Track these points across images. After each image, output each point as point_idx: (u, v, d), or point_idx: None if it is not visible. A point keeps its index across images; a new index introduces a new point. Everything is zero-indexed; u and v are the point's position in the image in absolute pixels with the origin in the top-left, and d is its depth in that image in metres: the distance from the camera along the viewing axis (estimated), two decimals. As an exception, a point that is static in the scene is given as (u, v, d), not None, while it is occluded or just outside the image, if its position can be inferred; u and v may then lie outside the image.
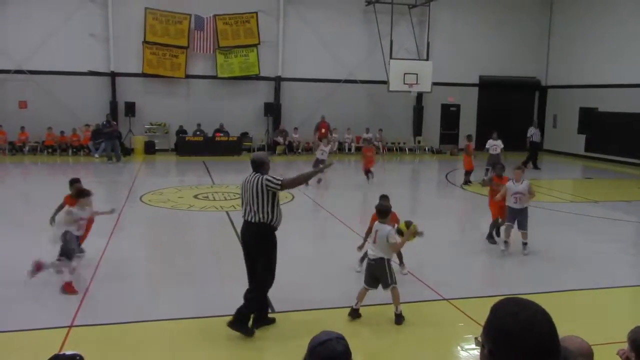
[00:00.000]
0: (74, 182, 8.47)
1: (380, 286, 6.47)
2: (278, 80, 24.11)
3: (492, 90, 26.53)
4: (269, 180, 5.92)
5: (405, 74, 22.19)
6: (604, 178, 19.41)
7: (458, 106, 26.72)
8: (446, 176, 19.34)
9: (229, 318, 5.92)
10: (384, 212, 6.51)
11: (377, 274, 6.36)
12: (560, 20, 26.35)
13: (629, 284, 8.22)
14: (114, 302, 6.93)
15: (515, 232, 9.32)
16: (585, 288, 7.93)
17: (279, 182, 5.91)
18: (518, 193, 9.10)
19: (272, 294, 7.11)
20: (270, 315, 6.40)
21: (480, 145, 18.72)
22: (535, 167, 20.76)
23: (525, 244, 9.23)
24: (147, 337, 6.05)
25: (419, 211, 13.11)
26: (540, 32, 26.99)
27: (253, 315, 6.06)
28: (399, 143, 25.74)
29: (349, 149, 24.72)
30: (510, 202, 9.15)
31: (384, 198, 7.69)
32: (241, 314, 5.90)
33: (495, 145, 16.56)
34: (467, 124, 26.74)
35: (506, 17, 26.18)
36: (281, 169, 20.62)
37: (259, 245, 5.99)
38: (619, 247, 10.11)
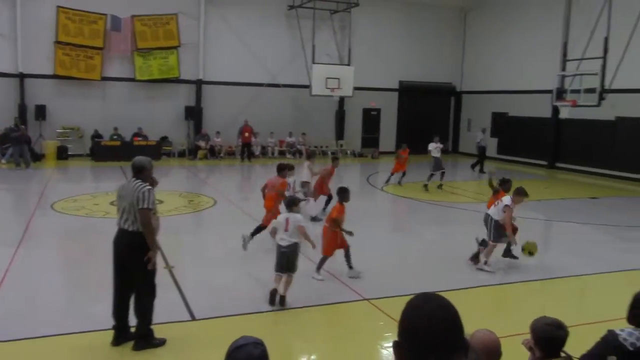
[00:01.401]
0: None
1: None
2: (199, 83, 23.71)
3: (412, 95, 27.38)
4: (143, 196, 5.48)
5: (327, 78, 22.46)
6: (514, 179, 20.44)
7: (379, 110, 27.35)
8: (367, 179, 19.72)
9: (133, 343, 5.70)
10: (291, 203, 7.26)
11: (292, 258, 6.97)
12: (474, 30, 27.62)
13: (537, 278, 8.70)
14: (18, 317, 6.53)
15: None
16: (501, 283, 8.32)
17: (147, 208, 5.48)
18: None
19: (194, 301, 6.99)
20: (187, 323, 6.25)
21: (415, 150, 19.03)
22: (482, 171, 21.47)
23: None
24: (59, 351, 5.75)
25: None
26: (455, 40, 28.15)
27: (114, 331, 5.75)
28: (321, 147, 25.97)
29: (272, 153, 24.68)
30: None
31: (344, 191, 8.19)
32: (141, 332, 5.71)
33: (438, 146, 17.06)
34: (388, 128, 27.48)
35: (424, 25, 27.11)
36: (203, 174, 20.30)
37: (136, 256, 5.56)
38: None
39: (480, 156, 21.60)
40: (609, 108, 18.71)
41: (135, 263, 5.60)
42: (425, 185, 16.54)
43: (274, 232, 7.16)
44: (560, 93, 18.92)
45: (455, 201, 15.64)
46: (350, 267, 8.25)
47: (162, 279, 6.33)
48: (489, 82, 26.22)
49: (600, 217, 13.61)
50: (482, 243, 9.07)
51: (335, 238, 8.10)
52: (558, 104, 19.17)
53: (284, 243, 6.98)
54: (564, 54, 20.30)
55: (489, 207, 9.29)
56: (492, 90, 26.01)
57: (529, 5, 23.95)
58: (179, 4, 22.94)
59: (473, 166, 21.81)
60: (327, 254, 8.11)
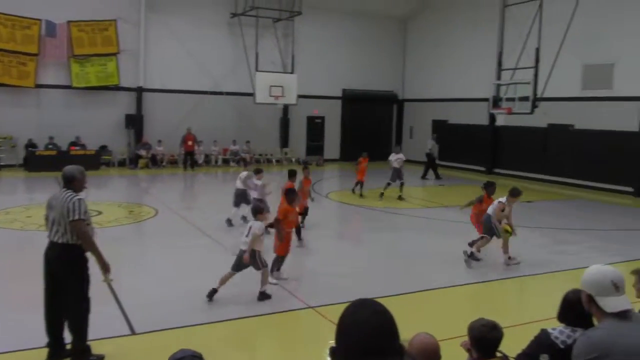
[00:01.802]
0: None
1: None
2: (140, 90, 23.17)
3: (355, 103, 27.72)
4: (73, 206, 5.26)
5: (271, 86, 22.43)
6: (454, 184, 21.01)
7: (323, 118, 27.53)
8: (312, 186, 19.75)
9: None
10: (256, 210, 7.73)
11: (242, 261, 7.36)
12: (414, 39, 28.30)
13: (476, 281, 8.93)
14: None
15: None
16: (442, 287, 8.49)
17: (79, 219, 5.26)
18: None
19: (134, 315, 6.79)
20: (127, 338, 6.06)
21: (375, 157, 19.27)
22: (437, 177, 21.82)
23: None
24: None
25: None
26: (396, 49, 28.74)
27: (49, 349, 5.51)
28: (266, 155, 25.89)
29: (216, 162, 24.39)
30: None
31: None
32: (77, 349, 5.48)
33: (398, 158, 16.84)
34: (332, 136, 27.70)
35: (366, 34, 27.56)
36: (144, 183, 19.82)
37: (67, 270, 5.36)
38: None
39: (430, 163, 21.94)
40: (542, 115, 19.53)
41: (66, 276, 5.38)
42: (381, 194, 16.57)
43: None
44: (496, 101, 19.59)
45: (400, 207, 15.89)
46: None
47: (100, 292, 6.10)
48: (430, 90, 26.89)
49: (536, 220, 14.14)
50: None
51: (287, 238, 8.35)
52: (494, 111, 19.86)
53: (243, 247, 7.38)
54: (499, 64, 21.06)
55: (472, 214, 10.23)
56: (433, 98, 26.68)
57: (466, 15, 24.77)
58: (118, 10, 22.38)
59: (423, 176, 21.99)
60: (280, 253, 8.35)
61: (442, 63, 26.10)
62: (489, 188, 10.20)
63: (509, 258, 9.64)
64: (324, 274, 8.94)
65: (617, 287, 2.72)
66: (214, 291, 7.37)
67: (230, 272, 7.47)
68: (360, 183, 16.94)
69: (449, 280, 8.82)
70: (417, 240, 11.62)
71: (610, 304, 2.70)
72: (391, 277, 8.95)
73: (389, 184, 16.77)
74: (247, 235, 7.37)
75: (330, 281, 8.52)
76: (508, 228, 9.48)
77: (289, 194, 8.51)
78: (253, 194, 11.48)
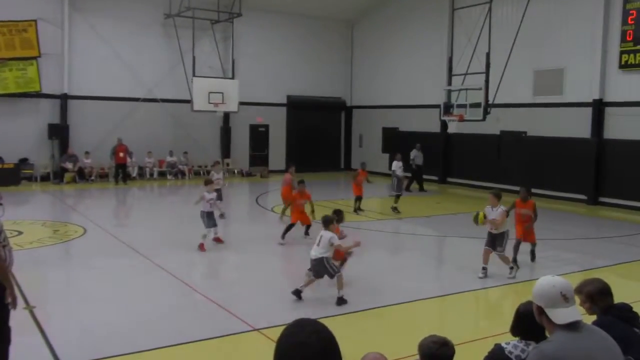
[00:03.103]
0: None
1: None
2: (64, 97, 22.53)
3: (301, 110, 27.85)
4: None
5: (210, 92, 22.24)
6: (406, 195, 21.37)
7: (267, 126, 27.52)
8: (256, 199, 19.71)
9: None
10: (327, 221, 8.45)
11: (321, 270, 8.23)
12: (361, 43, 28.78)
13: (431, 296, 9.11)
14: None
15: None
16: (395, 303, 8.61)
17: None
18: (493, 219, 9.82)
19: (60, 345, 6.57)
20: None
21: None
22: (422, 189, 21.86)
23: (510, 267, 9.92)
24: None
25: (230, 238, 13.08)
26: (343, 53, 29.12)
27: None
28: (206, 166, 25.60)
29: (151, 174, 23.95)
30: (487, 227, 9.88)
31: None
32: None
33: (401, 167, 17.03)
34: (277, 145, 27.69)
35: (311, 37, 27.81)
36: (71, 199, 19.23)
37: None
38: (423, 260, 11.19)
39: (415, 175, 21.90)
40: (494, 122, 20.20)
41: None
42: (395, 208, 16.58)
43: None
44: (448, 107, 20.11)
45: (354, 220, 16.01)
46: None
47: (20, 321, 5.89)
48: (379, 96, 27.35)
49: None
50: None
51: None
52: (446, 118, 20.37)
53: (313, 256, 8.27)
54: (450, 69, 21.66)
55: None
56: (382, 104, 27.14)
57: (414, 19, 25.41)
58: (39, 10, 21.74)
59: (407, 187, 21.39)
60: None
61: (391, 68, 26.63)
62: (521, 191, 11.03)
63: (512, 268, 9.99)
64: (268, 293, 8.91)
65: (566, 298, 2.86)
66: (298, 291, 8.27)
67: (312, 278, 8.38)
68: (359, 198, 16.60)
69: (398, 296, 8.95)
70: (362, 255, 11.74)
71: (560, 315, 2.83)
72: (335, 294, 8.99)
73: (398, 196, 16.84)
74: (318, 245, 8.23)
75: (274, 301, 8.50)
76: (477, 217, 10.15)
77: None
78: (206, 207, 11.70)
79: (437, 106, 21.09)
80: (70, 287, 9.57)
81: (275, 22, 26.78)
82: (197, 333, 7.19)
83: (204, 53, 23.73)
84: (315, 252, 8.26)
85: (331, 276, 8.31)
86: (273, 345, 5.53)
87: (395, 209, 16.64)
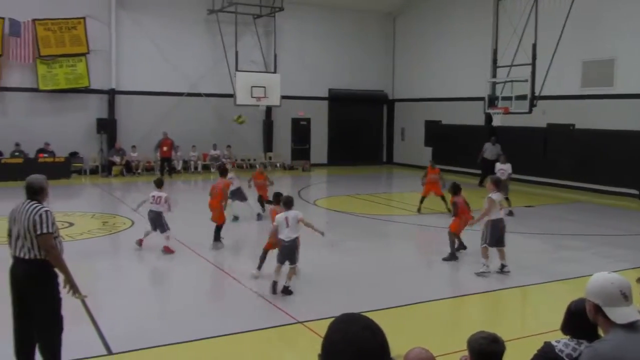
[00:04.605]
0: None
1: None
2: (112, 93, 23.05)
3: (342, 104, 27.77)
4: (40, 219, 5.21)
5: (252, 87, 22.40)
6: (447, 190, 21.11)
7: (308, 120, 27.56)
8: (299, 193, 19.77)
9: None
10: (289, 202, 8.46)
11: (292, 252, 8.11)
12: (403, 36, 28.48)
13: (476, 292, 8.98)
14: None
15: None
16: (436, 299, 8.53)
17: (47, 232, 5.21)
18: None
19: (110, 333, 6.75)
20: (103, 358, 6.02)
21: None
22: (481, 184, 21.29)
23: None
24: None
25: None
26: (385, 46, 28.89)
27: None
28: (249, 160, 25.85)
29: (195, 168, 24.31)
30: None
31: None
32: None
33: (502, 169, 15.38)
34: (319, 139, 27.72)
35: (353, 31, 27.66)
36: (118, 192, 19.69)
37: (36, 287, 5.30)
38: (468, 257, 11.02)
39: (486, 169, 20.08)
40: (540, 115, 19.72)
41: (35, 294, 5.33)
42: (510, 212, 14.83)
43: (275, 228, 8.21)
44: (492, 100, 19.75)
45: (391, 214, 15.95)
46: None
47: (72, 310, 6.06)
48: (421, 89, 27.04)
49: (536, 226, 14.25)
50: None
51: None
52: (490, 111, 20.00)
53: (287, 238, 8.09)
54: (494, 61, 21.24)
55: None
56: (425, 97, 26.83)
57: (457, 10, 24.98)
58: (87, 7, 22.28)
59: (481, 183, 20.35)
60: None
61: (434, 60, 26.28)
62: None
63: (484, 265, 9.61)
64: (311, 286, 8.93)
65: (625, 297, 2.76)
66: (276, 284, 8.13)
67: (278, 265, 8.22)
68: (423, 198, 15.31)
69: (444, 291, 8.87)
70: (407, 250, 11.66)
71: (620, 314, 2.73)
72: (381, 289, 8.96)
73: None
74: (288, 226, 8.13)
75: (318, 293, 8.52)
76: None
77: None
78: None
79: (481, 99, 20.70)
80: (119, 278, 9.81)
81: (317, 16, 26.75)
82: (241, 325, 7.28)
83: (246, 48, 23.91)
84: (290, 233, 8.14)
85: (294, 262, 8.22)
86: (317, 338, 5.55)
87: (510, 212, 14.62)
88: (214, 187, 11.39)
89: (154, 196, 11.12)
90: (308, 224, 8.43)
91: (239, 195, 13.67)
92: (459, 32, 24.84)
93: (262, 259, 8.95)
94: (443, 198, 14.77)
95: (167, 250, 10.69)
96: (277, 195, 9.59)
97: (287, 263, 8.25)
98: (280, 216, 8.25)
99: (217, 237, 11.09)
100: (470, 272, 9.71)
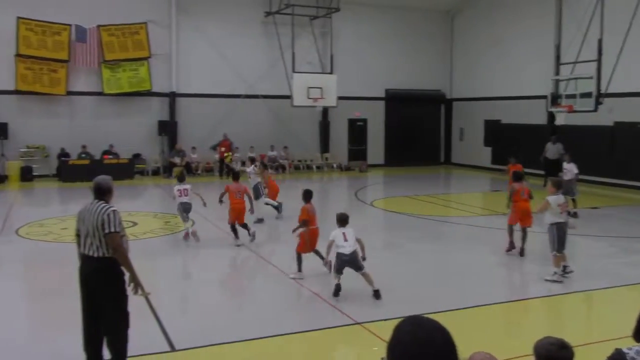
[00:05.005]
0: None
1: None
2: (172, 96, 23.67)
3: (399, 104, 27.55)
4: (108, 218, 5.42)
5: (309, 88, 22.54)
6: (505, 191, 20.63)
7: (365, 121, 27.50)
8: (356, 194, 19.76)
9: None
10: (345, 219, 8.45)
11: (354, 262, 8.14)
12: (462, 34, 28.01)
13: (541, 295, 8.74)
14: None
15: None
16: (498, 302, 8.35)
17: (115, 231, 5.42)
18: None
19: (173, 330, 6.93)
20: (167, 354, 6.18)
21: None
22: (545, 185, 20.75)
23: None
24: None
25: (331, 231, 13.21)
26: (443, 45, 28.49)
27: None
28: (306, 161, 26.02)
29: (253, 169, 24.62)
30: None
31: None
32: None
33: (566, 169, 15.13)
34: (376, 139, 27.61)
35: (409, 30, 27.42)
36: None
37: (105, 284, 5.52)
38: (529, 259, 10.76)
39: (548, 169, 19.51)
40: (607, 113, 19.01)
41: (104, 291, 5.54)
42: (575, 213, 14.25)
43: (330, 245, 8.30)
44: (555, 98, 19.16)
45: (449, 215, 15.73)
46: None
47: (137, 306, 6.26)
48: (481, 88, 26.53)
49: (603, 228, 13.75)
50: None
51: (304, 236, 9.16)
52: (553, 109, 19.42)
53: (347, 252, 8.13)
54: (557, 57, 20.63)
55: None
56: (484, 96, 26.31)
57: (518, 7, 24.37)
58: (149, 13, 22.96)
59: (545, 184, 19.92)
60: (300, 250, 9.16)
61: (493, 59, 25.73)
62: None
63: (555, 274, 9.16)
64: (369, 287, 8.90)
65: None
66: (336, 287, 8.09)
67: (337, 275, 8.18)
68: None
69: (505, 294, 8.67)
70: (467, 251, 11.46)
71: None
72: (440, 291, 8.85)
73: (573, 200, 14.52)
74: (346, 240, 8.14)
75: (371, 296, 8.48)
76: None
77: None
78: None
79: (543, 97, 20.15)
80: (182, 276, 10.06)
81: (373, 16, 26.65)
82: (300, 324, 7.34)
83: (303, 49, 24.07)
84: (350, 248, 8.16)
85: (362, 268, 8.22)
86: (375, 339, 5.53)
87: (575, 213, 14.17)
88: (239, 189, 11.72)
89: (179, 190, 11.93)
90: (362, 245, 8.38)
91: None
92: (520, 30, 24.22)
93: (300, 260, 9.07)
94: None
95: (189, 237, 11.67)
96: (308, 193, 9.58)
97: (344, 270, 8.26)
98: (337, 231, 8.30)
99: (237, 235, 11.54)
100: (533, 275, 9.46)
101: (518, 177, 11.30)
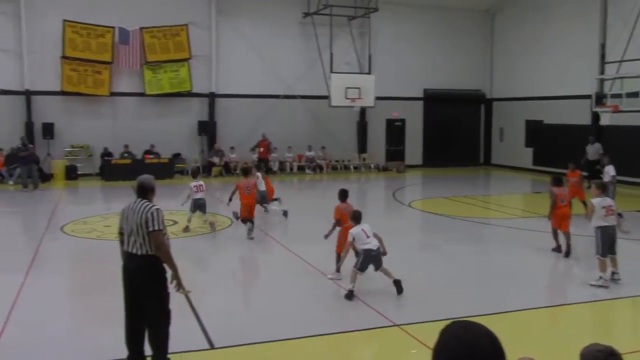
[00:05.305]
0: None
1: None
2: (212, 96, 23.95)
3: (438, 104, 27.26)
4: (152, 216, 5.52)
5: (347, 88, 22.51)
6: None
7: (403, 121, 27.30)
8: (393, 194, 19.64)
9: None
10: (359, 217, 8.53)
11: (380, 258, 8.22)
12: (503, 33, 27.54)
13: (584, 300, 8.53)
14: (30, 349, 6.59)
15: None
16: (544, 306, 8.18)
17: (158, 229, 5.52)
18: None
19: (212, 328, 7.00)
20: (206, 352, 6.24)
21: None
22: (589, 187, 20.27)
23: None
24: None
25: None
26: (483, 44, 28.08)
27: None
28: (343, 161, 25.99)
29: (291, 169, 24.75)
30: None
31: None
32: None
33: (605, 171, 15.02)
34: (414, 140, 27.40)
35: (449, 29, 27.10)
36: (218, 192, 20.40)
37: (148, 281, 5.62)
38: (573, 263, 10.52)
39: (587, 170, 18.97)
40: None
41: (147, 288, 5.64)
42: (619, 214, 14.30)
43: (351, 243, 8.36)
44: (600, 98, 18.70)
45: (488, 217, 15.49)
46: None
47: (177, 304, 6.34)
48: (522, 88, 26.04)
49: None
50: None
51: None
52: (598, 109, 18.94)
53: (374, 247, 8.22)
54: (602, 56, 20.10)
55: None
56: (526, 96, 25.81)
57: (561, 6, 23.80)
58: (189, 15, 23.29)
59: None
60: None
61: (535, 57, 25.22)
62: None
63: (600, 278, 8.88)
64: (407, 288, 8.82)
65: None
66: (350, 293, 8.07)
67: (356, 271, 8.19)
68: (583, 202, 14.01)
69: (548, 298, 8.48)
70: (508, 254, 11.25)
71: None
72: (480, 294, 8.71)
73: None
74: (368, 237, 8.23)
75: (415, 297, 8.41)
76: None
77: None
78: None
79: (587, 97, 19.68)
80: (220, 274, 10.15)
81: (412, 15, 26.45)
82: (338, 325, 7.32)
83: (341, 49, 24.05)
84: (375, 242, 8.27)
85: (380, 265, 8.31)
86: (414, 342, 5.46)
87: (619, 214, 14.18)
88: (248, 185, 12.32)
89: (195, 186, 12.92)
90: (380, 238, 8.48)
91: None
92: (563, 28, 23.67)
93: (339, 260, 9.05)
94: (585, 203, 14.06)
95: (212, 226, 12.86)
96: (343, 192, 9.71)
97: (371, 267, 8.31)
98: (356, 229, 8.35)
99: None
100: (577, 279, 9.24)
101: (557, 181, 11.04)
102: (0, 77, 21.23)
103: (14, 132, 21.07)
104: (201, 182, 13.09)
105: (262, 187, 14.17)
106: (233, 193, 12.54)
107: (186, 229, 12.71)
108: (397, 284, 8.23)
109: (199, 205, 12.94)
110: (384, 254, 8.37)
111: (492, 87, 28.29)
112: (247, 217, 12.01)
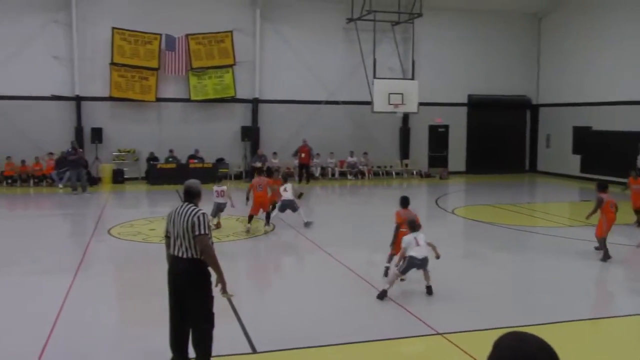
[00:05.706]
0: None
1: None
2: (255, 102, 24.20)
3: (482, 110, 26.87)
4: (199, 221, 5.62)
5: (390, 94, 22.39)
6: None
7: (446, 127, 27.01)
8: (436, 201, 19.43)
9: None
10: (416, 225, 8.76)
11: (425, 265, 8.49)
12: (550, 37, 26.96)
13: (635, 312, 8.25)
14: (78, 349, 6.76)
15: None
16: (592, 317, 7.94)
17: (204, 233, 5.62)
18: None
19: (255, 333, 7.04)
20: (248, 356, 6.28)
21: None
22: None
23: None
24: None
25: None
26: (529, 49, 27.56)
27: None
28: (385, 167, 25.87)
29: (333, 175, 24.76)
30: None
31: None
32: None
33: None
34: (457, 146, 27.07)
35: (494, 34, 26.72)
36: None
37: (194, 284, 5.70)
38: (622, 273, 10.20)
39: None
40: None
41: (193, 291, 5.71)
42: None
43: (403, 251, 8.55)
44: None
45: (534, 225, 15.16)
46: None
47: (221, 308, 6.40)
48: (570, 93, 25.43)
49: None
50: None
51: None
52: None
53: (420, 256, 8.43)
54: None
55: None
56: (573, 102, 25.20)
57: (612, 8, 23.17)
58: (234, 21, 23.61)
59: None
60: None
61: (584, 62, 24.60)
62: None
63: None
64: (451, 297, 8.70)
65: None
66: (384, 292, 8.34)
67: (398, 273, 8.53)
68: (637, 211, 14.26)
69: (594, 310, 8.23)
70: (554, 263, 10.98)
71: None
72: (524, 304, 8.52)
73: None
74: (418, 245, 8.46)
75: (458, 305, 8.29)
76: None
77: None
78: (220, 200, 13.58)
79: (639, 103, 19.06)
80: (262, 279, 10.23)
81: (456, 20, 26.17)
82: (379, 332, 7.27)
83: (384, 55, 23.97)
84: (424, 252, 8.48)
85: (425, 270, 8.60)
86: (457, 351, 5.38)
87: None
88: (260, 183, 13.40)
89: (217, 190, 13.54)
90: (434, 246, 8.71)
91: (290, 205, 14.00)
92: (614, 32, 23.04)
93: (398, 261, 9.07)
94: None
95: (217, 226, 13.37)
96: (404, 199, 9.91)
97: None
98: (409, 237, 8.58)
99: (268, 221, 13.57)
100: (627, 290, 8.94)
101: (603, 187, 10.73)
102: (52, 83, 21.96)
103: (65, 136, 21.77)
104: (223, 187, 13.71)
105: (289, 197, 13.86)
106: (248, 192, 13.43)
107: (218, 225, 13.52)
108: (428, 289, 8.54)
109: (219, 209, 13.60)
110: (437, 257, 8.65)
111: (539, 92, 27.72)
112: (256, 213, 13.23)
